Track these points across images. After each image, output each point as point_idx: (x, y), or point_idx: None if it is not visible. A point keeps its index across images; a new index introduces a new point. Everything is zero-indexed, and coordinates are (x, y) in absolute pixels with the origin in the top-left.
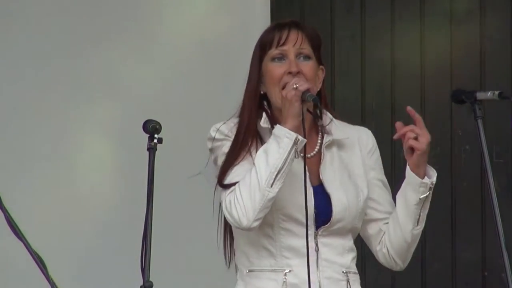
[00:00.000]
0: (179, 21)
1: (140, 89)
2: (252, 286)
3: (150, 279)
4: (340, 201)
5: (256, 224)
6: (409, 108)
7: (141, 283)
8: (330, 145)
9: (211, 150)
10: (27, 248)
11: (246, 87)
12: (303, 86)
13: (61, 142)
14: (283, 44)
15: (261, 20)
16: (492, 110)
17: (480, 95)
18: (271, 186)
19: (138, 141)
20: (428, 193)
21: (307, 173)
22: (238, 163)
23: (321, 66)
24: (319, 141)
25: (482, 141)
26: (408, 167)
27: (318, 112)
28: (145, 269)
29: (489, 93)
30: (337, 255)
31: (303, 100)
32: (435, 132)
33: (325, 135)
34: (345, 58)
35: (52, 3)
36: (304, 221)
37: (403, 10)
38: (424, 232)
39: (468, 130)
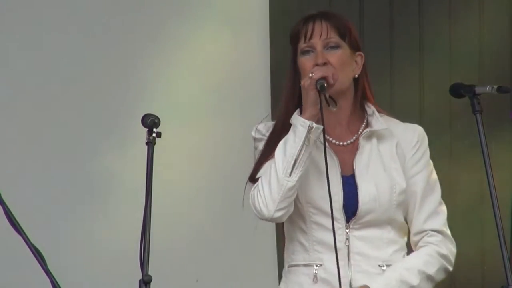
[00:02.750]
0: (180, 31)
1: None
2: (290, 282)
3: (149, 273)
4: (368, 192)
5: (278, 214)
6: None
7: (140, 277)
8: (369, 137)
9: (255, 149)
10: (26, 242)
11: (285, 83)
12: (317, 74)
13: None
14: (310, 37)
15: (260, 9)
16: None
17: (479, 89)
18: (290, 175)
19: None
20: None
21: (337, 162)
22: (270, 159)
23: (358, 53)
24: (359, 131)
25: (481, 135)
26: None
27: (326, 98)
28: (144, 263)
29: (488, 87)
30: (372, 248)
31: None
32: (434, 127)
33: (367, 128)
34: None
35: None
36: (335, 214)
37: (402, 5)
38: None
39: (467, 124)
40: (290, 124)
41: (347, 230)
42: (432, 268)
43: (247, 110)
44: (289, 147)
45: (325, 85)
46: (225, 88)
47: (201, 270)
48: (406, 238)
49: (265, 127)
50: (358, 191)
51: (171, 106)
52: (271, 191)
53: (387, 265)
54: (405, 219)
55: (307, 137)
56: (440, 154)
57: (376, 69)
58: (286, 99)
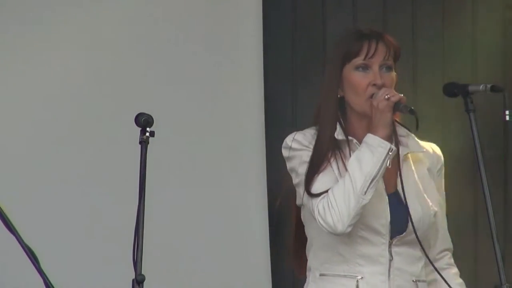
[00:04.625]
0: (172, 16)
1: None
2: None
3: (142, 272)
4: (416, 212)
5: (349, 229)
6: None
7: (133, 277)
8: (406, 157)
9: (288, 158)
10: (19, 241)
11: (325, 92)
12: (395, 97)
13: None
14: (372, 56)
15: (252, 7)
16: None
17: (472, 88)
18: (365, 193)
19: (133, 136)
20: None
21: (382, 180)
22: (321, 171)
23: (395, 73)
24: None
25: (474, 134)
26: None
27: (416, 120)
28: (137, 263)
29: (481, 86)
30: (408, 264)
31: (394, 111)
32: (427, 126)
33: (400, 147)
34: None
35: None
36: (381, 230)
37: (395, 3)
38: None
39: (460, 124)
40: (334, 140)
41: (390, 246)
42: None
43: (240, 110)
44: (366, 166)
45: (406, 107)
46: (219, 89)
47: (196, 270)
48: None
49: (306, 138)
50: (409, 210)
51: (166, 106)
52: (348, 207)
53: (418, 280)
54: None
55: (387, 157)
56: None
57: None
58: (327, 108)
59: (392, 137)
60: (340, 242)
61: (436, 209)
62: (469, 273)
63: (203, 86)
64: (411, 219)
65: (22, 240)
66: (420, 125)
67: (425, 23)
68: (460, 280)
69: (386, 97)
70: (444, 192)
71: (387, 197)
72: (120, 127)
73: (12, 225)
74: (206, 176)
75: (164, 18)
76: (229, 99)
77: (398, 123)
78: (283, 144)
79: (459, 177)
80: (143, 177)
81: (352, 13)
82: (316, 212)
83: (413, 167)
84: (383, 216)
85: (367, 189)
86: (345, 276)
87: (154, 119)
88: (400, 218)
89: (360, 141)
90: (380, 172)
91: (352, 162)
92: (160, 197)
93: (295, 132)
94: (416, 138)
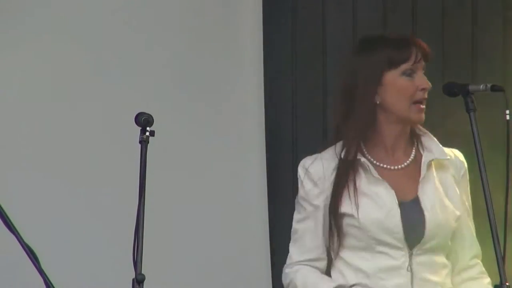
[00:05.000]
0: (171, 11)
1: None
2: None
3: (142, 272)
4: (434, 218)
5: None
6: None
7: (133, 276)
8: (430, 163)
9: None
10: (19, 241)
11: (362, 98)
12: None
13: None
14: (419, 61)
15: (252, 7)
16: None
17: (473, 88)
18: None
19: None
20: None
21: (393, 192)
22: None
23: None
24: (413, 153)
25: (475, 134)
26: None
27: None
28: (137, 262)
29: (481, 86)
30: (432, 273)
31: None
32: (427, 126)
33: (425, 152)
34: (336, 50)
35: None
36: (397, 244)
37: (395, 3)
38: None
39: (461, 123)
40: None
41: (411, 257)
42: None
43: (240, 109)
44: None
45: None
46: (217, 89)
47: (196, 269)
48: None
49: (319, 171)
50: (425, 218)
51: (165, 106)
52: None
53: None
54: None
55: None
56: None
57: None
58: (365, 115)
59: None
60: (359, 259)
61: (458, 213)
62: None
63: (202, 86)
64: (424, 225)
65: (23, 240)
66: (419, 125)
67: (425, 23)
68: None
69: None
70: (469, 197)
71: (399, 210)
72: (120, 127)
73: (12, 224)
74: (206, 176)
75: (164, 17)
76: (229, 99)
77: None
78: (298, 169)
79: None
80: (143, 176)
81: (352, 13)
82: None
83: (435, 173)
84: (395, 231)
85: None
86: None
87: (154, 119)
88: (417, 226)
89: (387, 148)
90: None
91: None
92: (160, 196)
93: (310, 160)
94: (440, 145)
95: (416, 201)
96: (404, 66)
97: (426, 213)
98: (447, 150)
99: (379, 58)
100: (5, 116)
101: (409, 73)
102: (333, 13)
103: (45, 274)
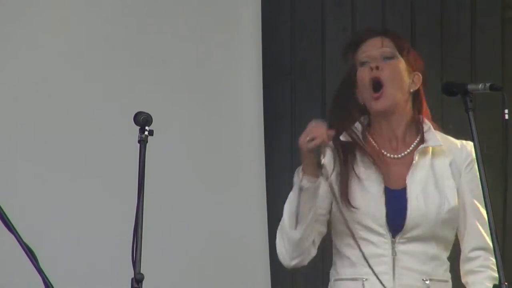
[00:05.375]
0: (171, 11)
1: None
2: None
3: (141, 271)
4: (417, 208)
5: (294, 262)
6: None
7: (132, 276)
8: (424, 152)
9: None
10: (18, 240)
11: (341, 94)
12: (312, 141)
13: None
14: (367, 47)
15: (251, 7)
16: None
17: (471, 87)
18: (295, 228)
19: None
20: None
21: (381, 178)
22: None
23: (416, 72)
24: (413, 145)
25: (474, 133)
26: None
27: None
28: (136, 262)
29: (480, 85)
30: (417, 262)
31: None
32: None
33: (423, 143)
34: (336, 50)
35: None
36: (380, 230)
37: (394, 3)
38: None
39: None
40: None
41: (393, 245)
42: None
43: (239, 109)
44: (290, 202)
45: (322, 161)
46: (216, 89)
47: (194, 269)
48: (448, 253)
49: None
50: (407, 206)
51: (164, 105)
52: (284, 244)
53: (430, 279)
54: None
55: (301, 189)
56: None
57: None
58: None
59: (320, 171)
60: (346, 246)
61: (452, 203)
62: None
63: (202, 85)
64: (406, 215)
65: (22, 239)
66: (426, 119)
67: (424, 23)
68: (489, 285)
69: (307, 139)
70: (478, 187)
71: (384, 196)
72: (119, 126)
73: (11, 224)
74: (205, 175)
75: (163, 17)
76: (228, 99)
77: (424, 119)
78: None
79: None
80: (142, 176)
81: (351, 13)
82: None
83: (429, 161)
84: (378, 217)
85: (296, 224)
86: (353, 279)
87: (153, 118)
88: (400, 214)
89: (389, 138)
90: (301, 206)
91: (288, 198)
92: (158, 196)
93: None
94: (440, 134)
95: (404, 190)
96: (358, 56)
97: (409, 202)
98: (457, 141)
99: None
100: (4, 116)
101: (364, 63)
102: (332, 13)
103: (44, 273)
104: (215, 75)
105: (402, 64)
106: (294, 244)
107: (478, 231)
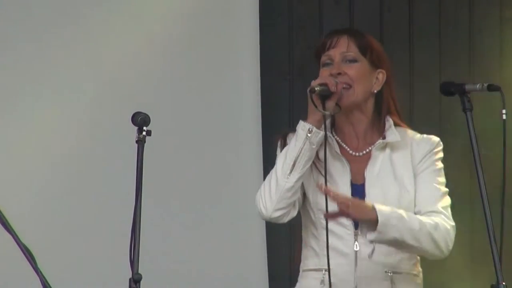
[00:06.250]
0: (170, 16)
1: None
2: (302, 286)
3: (139, 271)
4: (375, 199)
5: (276, 214)
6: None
7: (130, 276)
8: (383, 148)
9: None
10: (15, 240)
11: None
12: (316, 81)
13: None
14: (329, 49)
15: (249, 6)
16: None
17: (469, 87)
18: (288, 176)
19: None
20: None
21: (349, 170)
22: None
23: (379, 70)
24: (377, 143)
25: (471, 133)
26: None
27: (313, 101)
28: (134, 262)
29: (478, 85)
30: (380, 255)
31: (323, 96)
32: (424, 125)
33: (381, 140)
34: None
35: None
36: (343, 221)
37: (392, 3)
38: None
39: (457, 123)
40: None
41: (356, 236)
42: (436, 232)
43: (237, 109)
44: (290, 150)
45: (317, 89)
46: (214, 89)
47: (193, 269)
48: None
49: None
50: (366, 199)
51: (163, 105)
52: (270, 191)
53: (394, 272)
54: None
55: (306, 139)
56: None
57: None
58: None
59: (324, 122)
60: (311, 236)
61: (412, 194)
62: (466, 271)
63: (200, 85)
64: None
65: (19, 240)
66: (417, 123)
67: (422, 22)
68: (433, 220)
69: (312, 82)
70: (437, 169)
71: (350, 189)
72: (117, 126)
73: (9, 224)
74: (204, 175)
75: (162, 17)
76: (226, 99)
77: (387, 117)
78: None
79: (456, 176)
80: (140, 176)
81: (349, 12)
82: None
83: (390, 156)
84: None
85: (290, 171)
86: (316, 270)
87: (151, 118)
88: None
89: (351, 135)
90: (302, 153)
91: (283, 150)
92: (156, 196)
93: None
94: (403, 130)
95: (363, 185)
96: (322, 58)
97: (367, 195)
98: (421, 135)
99: (315, 55)
100: (3, 116)
101: (328, 64)
102: (330, 12)
103: (42, 273)
104: (213, 75)
105: (364, 66)
106: (283, 193)
107: (429, 196)
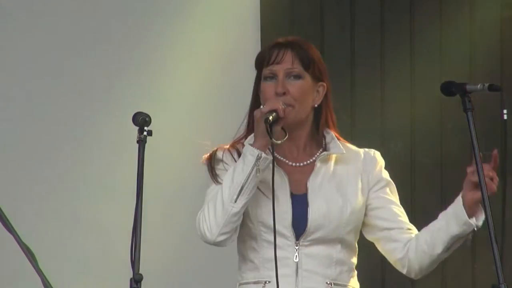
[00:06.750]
0: (170, 15)
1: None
2: None
3: (140, 271)
4: (318, 209)
5: (221, 238)
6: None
7: (131, 276)
8: (326, 159)
9: (216, 170)
10: (17, 241)
11: (250, 107)
12: (266, 107)
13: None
14: (273, 64)
15: (251, 10)
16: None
17: (470, 87)
18: (235, 201)
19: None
20: (468, 234)
21: (287, 182)
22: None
23: (320, 83)
24: (317, 154)
25: (472, 133)
26: (461, 199)
27: (268, 132)
28: (134, 262)
29: (479, 85)
30: (320, 266)
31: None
32: (424, 125)
33: (325, 152)
34: (334, 50)
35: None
36: (284, 232)
37: (393, 3)
38: None
39: (458, 123)
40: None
41: (297, 247)
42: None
43: (238, 110)
44: (236, 174)
45: (270, 118)
46: (216, 89)
47: (193, 269)
48: (355, 260)
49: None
50: (308, 209)
51: (164, 106)
52: (216, 216)
53: (335, 284)
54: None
55: (255, 166)
56: (431, 152)
57: (367, 68)
58: (250, 123)
59: (271, 146)
60: (249, 249)
61: (356, 207)
62: (466, 272)
63: (200, 86)
64: (307, 217)
65: (20, 239)
66: (415, 124)
67: (423, 22)
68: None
69: (261, 107)
70: (392, 183)
71: (290, 199)
72: (118, 126)
73: (10, 224)
74: (203, 175)
75: (162, 17)
76: (226, 99)
77: (327, 129)
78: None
79: (456, 176)
80: (141, 176)
81: (350, 13)
82: (196, 222)
83: (334, 168)
84: (285, 218)
85: (237, 196)
86: (255, 282)
87: (151, 119)
88: (303, 217)
89: (291, 148)
90: (250, 179)
91: (228, 172)
92: (157, 196)
93: (221, 152)
94: (345, 144)
95: (305, 195)
96: (263, 71)
97: (310, 205)
98: (360, 149)
99: (255, 66)
100: (3, 116)
101: (270, 78)
102: (331, 13)
103: (42, 273)
104: (213, 74)
105: (307, 82)
106: (229, 218)
107: (402, 214)
